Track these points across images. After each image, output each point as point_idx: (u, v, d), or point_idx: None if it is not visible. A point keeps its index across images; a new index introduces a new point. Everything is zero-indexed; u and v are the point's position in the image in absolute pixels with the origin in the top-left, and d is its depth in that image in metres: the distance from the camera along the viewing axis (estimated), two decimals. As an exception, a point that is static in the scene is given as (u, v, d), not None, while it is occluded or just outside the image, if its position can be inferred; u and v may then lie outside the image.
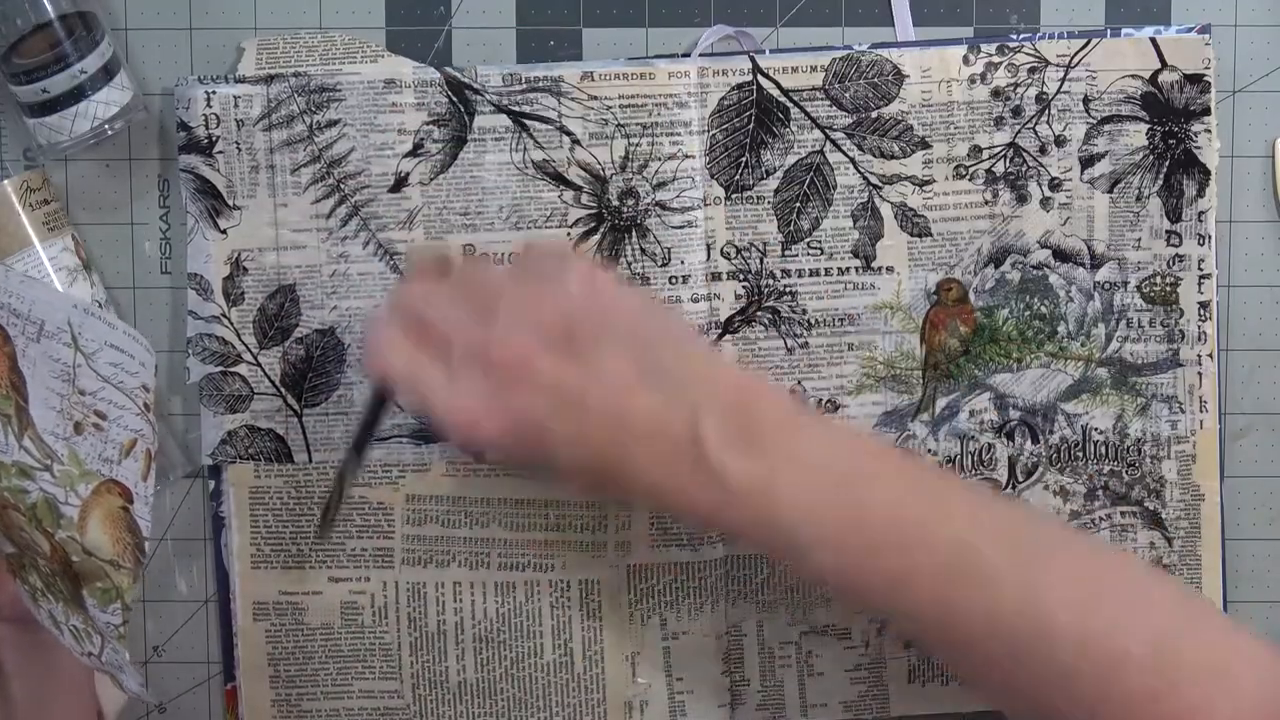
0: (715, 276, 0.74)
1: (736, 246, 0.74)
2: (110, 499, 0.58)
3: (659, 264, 0.74)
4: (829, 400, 0.75)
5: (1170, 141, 0.74)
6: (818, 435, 0.60)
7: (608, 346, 0.59)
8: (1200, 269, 0.75)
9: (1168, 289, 0.75)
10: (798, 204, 0.74)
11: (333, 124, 0.73)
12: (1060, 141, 0.74)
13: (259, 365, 0.74)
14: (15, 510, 0.55)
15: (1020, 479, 0.75)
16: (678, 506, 0.59)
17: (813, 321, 0.75)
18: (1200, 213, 0.74)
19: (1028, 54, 0.74)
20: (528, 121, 0.74)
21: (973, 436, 0.75)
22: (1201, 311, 0.75)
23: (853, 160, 0.74)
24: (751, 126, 0.74)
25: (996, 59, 0.74)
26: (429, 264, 0.64)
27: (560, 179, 0.74)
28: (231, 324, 0.74)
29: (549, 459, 0.59)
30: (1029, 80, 0.74)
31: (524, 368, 0.59)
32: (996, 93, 0.74)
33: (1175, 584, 0.71)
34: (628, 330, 0.60)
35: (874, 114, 0.74)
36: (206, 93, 0.73)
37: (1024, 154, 0.74)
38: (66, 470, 0.56)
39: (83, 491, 0.56)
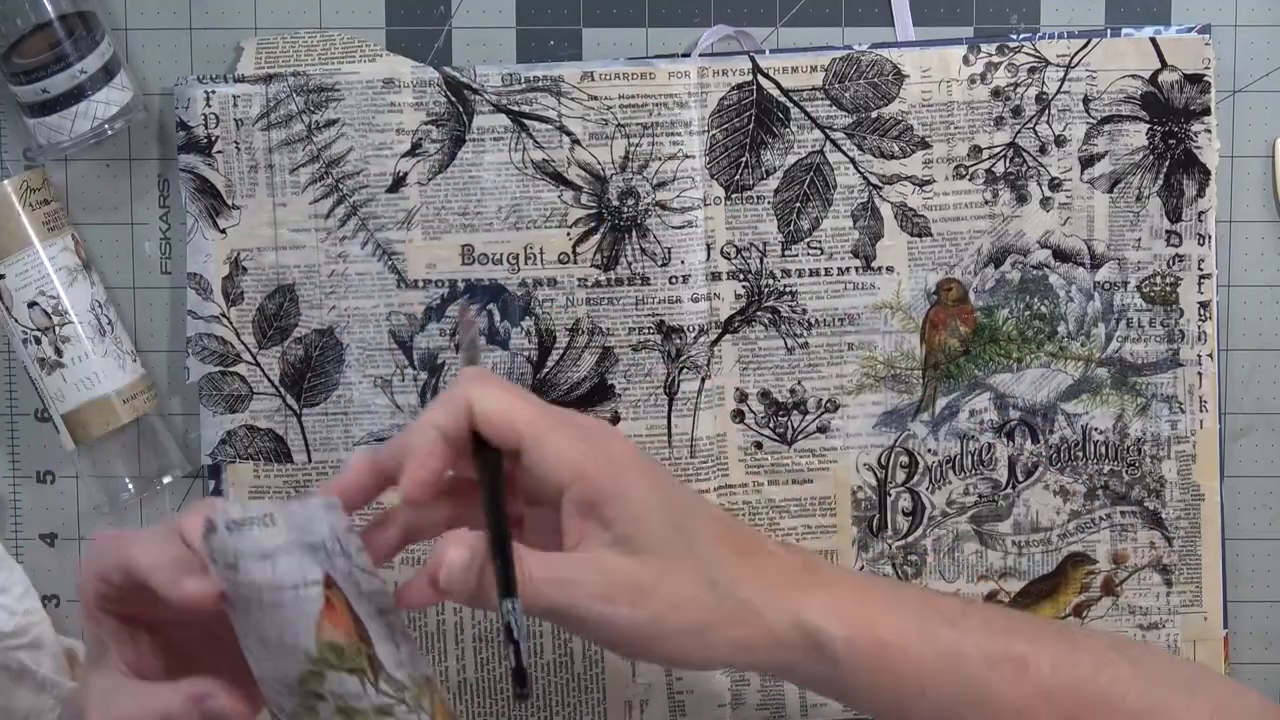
0: (715, 276, 0.74)
1: (736, 246, 0.74)
2: (436, 692, 0.58)
3: (659, 264, 0.74)
4: (829, 400, 0.75)
5: (1170, 141, 0.74)
6: (896, 590, 0.64)
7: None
8: (1200, 269, 0.75)
9: (1168, 289, 0.75)
10: (798, 204, 0.74)
11: (331, 123, 0.73)
12: (1060, 141, 0.74)
13: (258, 365, 0.74)
14: None
15: (1020, 479, 0.75)
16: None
17: (813, 321, 0.75)
18: (1200, 213, 0.74)
19: (1028, 54, 0.74)
20: (527, 121, 0.74)
21: (973, 436, 0.75)
22: (1201, 311, 0.75)
23: (853, 160, 0.74)
24: (751, 126, 0.74)
25: (996, 59, 0.74)
26: None
27: (560, 179, 0.74)
28: (231, 324, 0.74)
29: None
30: (1029, 80, 0.74)
31: None
32: (996, 93, 0.74)
33: None
34: None
35: (874, 114, 0.74)
36: (206, 92, 0.73)
37: (1024, 154, 0.74)
38: (415, 695, 0.56)
39: (427, 706, 0.56)
